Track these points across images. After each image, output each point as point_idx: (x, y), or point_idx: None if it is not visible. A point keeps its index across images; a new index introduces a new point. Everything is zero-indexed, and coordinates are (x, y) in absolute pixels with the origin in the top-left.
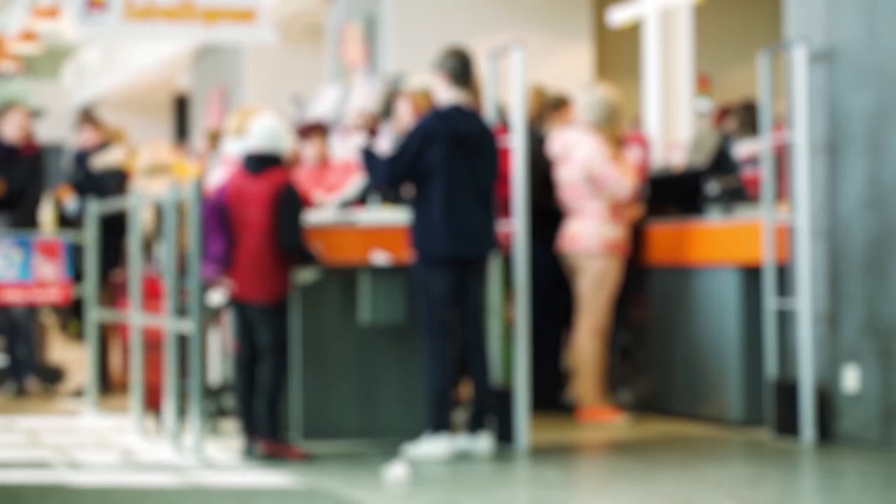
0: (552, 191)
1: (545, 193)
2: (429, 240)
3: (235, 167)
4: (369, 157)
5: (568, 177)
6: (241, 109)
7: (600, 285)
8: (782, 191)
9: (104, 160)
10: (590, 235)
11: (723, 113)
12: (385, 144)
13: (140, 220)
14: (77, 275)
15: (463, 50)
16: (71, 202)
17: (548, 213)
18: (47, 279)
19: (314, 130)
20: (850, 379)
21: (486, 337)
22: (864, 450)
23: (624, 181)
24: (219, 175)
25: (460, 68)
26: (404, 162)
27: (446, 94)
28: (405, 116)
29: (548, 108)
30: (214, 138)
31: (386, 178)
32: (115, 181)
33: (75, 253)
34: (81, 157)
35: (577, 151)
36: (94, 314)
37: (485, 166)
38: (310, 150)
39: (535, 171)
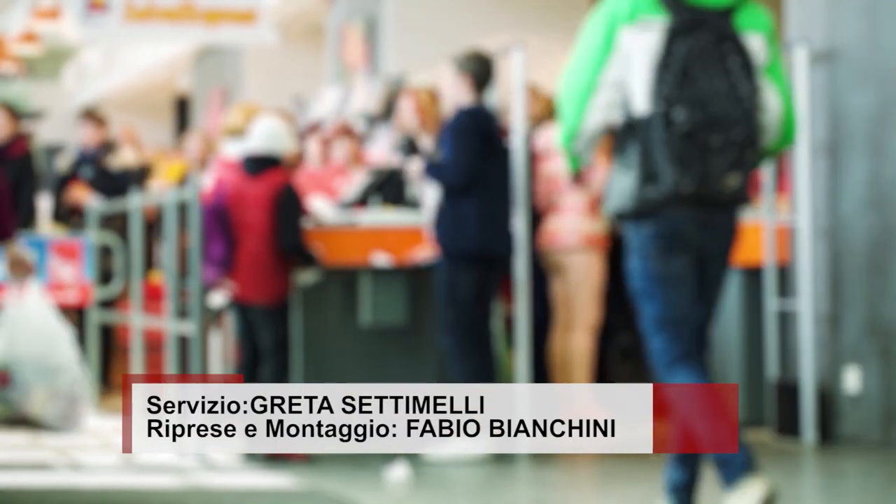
0: None
1: None
2: (464, 237)
3: (229, 169)
4: (432, 167)
5: (553, 171)
6: (242, 105)
7: (585, 281)
8: (783, 191)
9: (121, 160)
10: (571, 231)
11: None
12: (384, 145)
13: (140, 219)
14: (105, 276)
15: (486, 54)
16: (91, 202)
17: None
18: (65, 281)
19: (318, 131)
20: (852, 380)
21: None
22: (866, 450)
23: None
24: (212, 177)
25: (485, 74)
26: (468, 159)
27: (468, 97)
28: (408, 113)
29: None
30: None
31: (459, 179)
32: (133, 180)
33: (103, 254)
34: (87, 157)
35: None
36: (95, 315)
37: (504, 168)
38: (313, 150)
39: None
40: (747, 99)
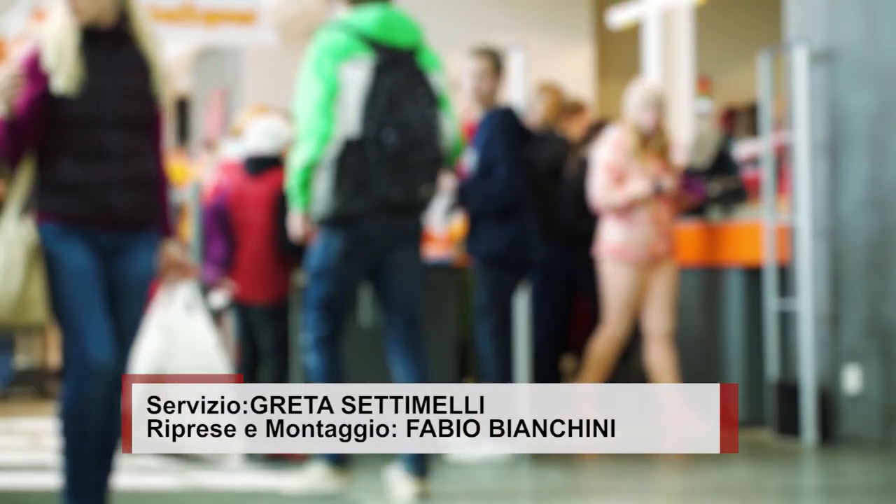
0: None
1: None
2: (522, 245)
3: (231, 169)
4: (480, 189)
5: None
6: (252, 106)
7: (608, 292)
8: (783, 191)
9: None
10: (599, 240)
11: (728, 114)
12: None
13: None
14: None
15: (497, 50)
16: None
17: (558, 211)
18: None
19: None
20: (852, 379)
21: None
22: (866, 450)
23: (599, 192)
24: (211, 179)
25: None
26: (521, 176)
27: (499, 98)
28: None
29: (565, 112)
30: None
31: (514, 199)
32: None
33: None
34: None
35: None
36: None
37: (525, 167)
38: None
39: (554, 170)
40: (434, 125)
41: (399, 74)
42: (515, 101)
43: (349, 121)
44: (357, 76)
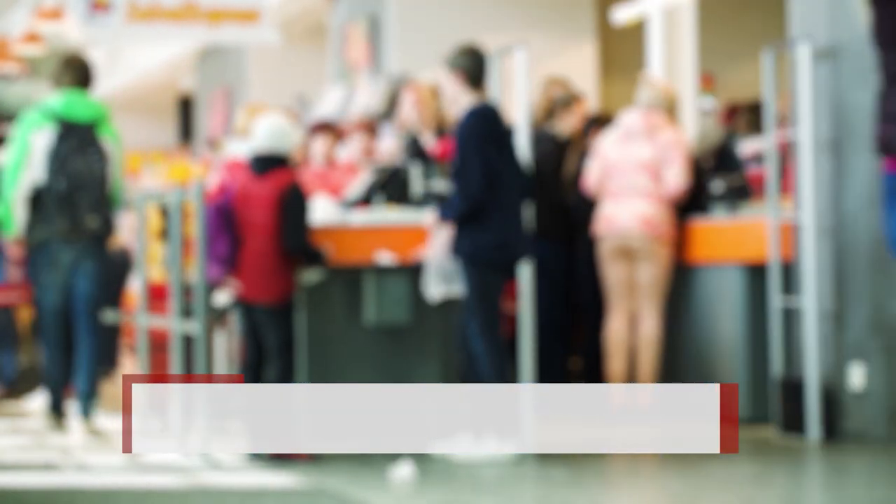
0: (561, 188)
1: (556, 191)
2: (489, 246)
3: (232, 169)
4: (446, 205)
5: (650, 156)
6: (248, 106)
7: (670, 271)
8: (787, 188)
9: None
10: (664, 222)
11: (729, 111)
12: (389, 144)
13: (135, 223)
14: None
15: (476, 47)
16: None
17: (557, 211)
18: None
19: (322, 130)
20: (856, 377)
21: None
22: (870, 447)
23: (681, 178)
24: (215, 178)
25: (477, 67)
26: (477, 174)
27: (468, 96)
28: (407, 107)
29: (559, 106)
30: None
31: (468, 202)
32: None
33: None
34: None
35: (663, 133)
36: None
37: (516, 165)
38: (318, 149)
39: (549, 169)
40: (100, 176)
41: (74, 140)
42: (519, 100)
43: (37, 173)
44: (43, 142)
